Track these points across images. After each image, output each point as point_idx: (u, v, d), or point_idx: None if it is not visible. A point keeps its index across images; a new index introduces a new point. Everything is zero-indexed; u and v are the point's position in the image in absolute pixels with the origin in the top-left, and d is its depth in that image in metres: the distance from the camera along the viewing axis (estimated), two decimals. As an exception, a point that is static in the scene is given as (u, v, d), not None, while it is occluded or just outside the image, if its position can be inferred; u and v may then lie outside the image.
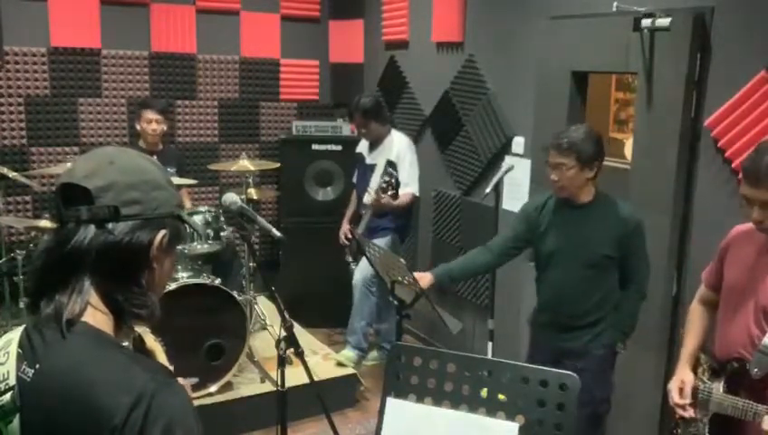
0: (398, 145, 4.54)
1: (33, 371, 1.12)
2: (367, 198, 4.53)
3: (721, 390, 2.26)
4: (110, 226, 1.14)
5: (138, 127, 4.60)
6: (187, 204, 4.84)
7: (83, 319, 1.13)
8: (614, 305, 2.93)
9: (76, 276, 1.14)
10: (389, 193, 4.12)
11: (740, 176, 2.83)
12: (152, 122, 4.54)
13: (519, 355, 3.83)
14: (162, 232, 1.19)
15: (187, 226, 1.28)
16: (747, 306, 2.21)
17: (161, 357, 1.42)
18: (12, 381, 1.12)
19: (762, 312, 2.15)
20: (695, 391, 2.36)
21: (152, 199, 1.18)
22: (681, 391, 2.37)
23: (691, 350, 2.45)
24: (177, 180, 4.11)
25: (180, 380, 1.20)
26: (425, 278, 3.01)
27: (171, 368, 1.29)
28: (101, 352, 1.12)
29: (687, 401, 2.35)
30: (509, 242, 3.10)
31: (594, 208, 2.86)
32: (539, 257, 3.04)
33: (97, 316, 1.15)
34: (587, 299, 2.90)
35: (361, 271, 4.55)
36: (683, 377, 2.39)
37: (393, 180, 4.09)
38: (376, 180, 4.51)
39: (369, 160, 4.67)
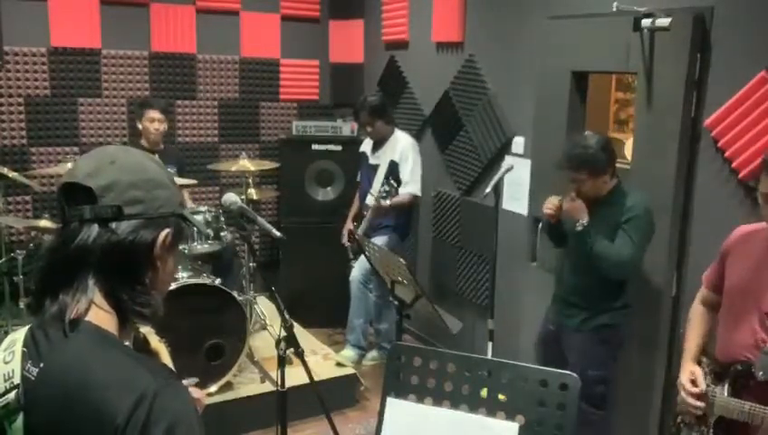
0: (402, 145, 4.54)
1: (37, 369, 1.12)
2: (369, 200, 4.53)
3: (725, 393, 2.24)
4: (113, 225, 1.14)
5: (139, 126, 4.60)
6: (189, 204, 4.84)
7: (87, 318, 1.13)
8: (608, 297, 3.08)
9: (80, 276, 1.14)
10: (387, 203, 4.14)
11: (741, 175, 2.86)
12: (155, 121, 4.54)
13: (519, 355, 3.83)
14: (165, 231, 1.19)
15: (189, 224, 1.28)
16: (752, 309, 2.20)
17: (165, 358, 1.42)
18: (17, 380, 1.13)
19: (767, 315, 2.14)
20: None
21: (155, 198, 1.18)
22: (693, 382, 2.33)
23: (694, 349, 2.42)
24: (177, 180, 4.10)
25: (184, 382, 1.20)
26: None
27: (191, 381, 1.29)
28: (105, 351, 1.12)
29: (702, 387, 2.29)
30: None
31: (605, 202, 3.04)
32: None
33: (101, 315, 1.15)
34: (580, 277, 3.12)
35: (359, 268, 4.55)
36: (692, 368, 2.36)
37: (393, 190, 4.09)
38: (379, 181, 4.51)
39: (372, 160, 4.67)
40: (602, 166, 2.97)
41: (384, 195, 4.07)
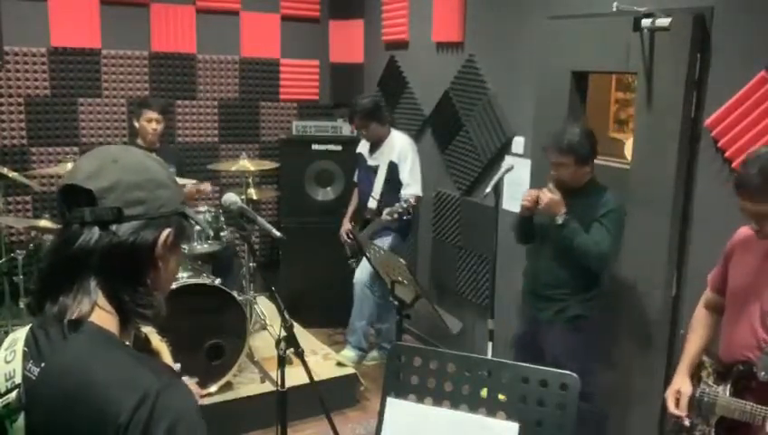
0: (400, 145, 4.54)
1: (38, 369, 1.12)
2: (371, 203, 4.53)
3: (727, 393, 2.24)
4: (113, 227, 1.13)
5: (136, 124, 4.60)
6: (207, 187, 4.71)
7: (90, 319, 1.13)
8: (582, 288, 3.15)
9: (81, 277, 1.14)
10: (407, 217, 4.18)
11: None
12: (152, 121, 4.54)
13: (519, 355, 3.83)
14: (167, 231, 1.18)
15: (190, 223, 1.28)
16: (753, 309, 2.20)
17: (167, 357, 1.42)
18: (18, 380, 1.13)
19: None
20: (692, 399, 2.35)
21: (156, 198, 1.17)
22: (677, 401, 2.36)
23: (691, 357, 2.42)
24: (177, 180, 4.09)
25: (185, 379, 1.20)
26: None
27: (176, 367, 1.29)
28: (107, 351, 1.12)
29: (683, 413, 2.34)
30: None
31: (581, 194, 3.13)
32: (535, 231, 3.34)
33: (103, 316, 1.14)
34: (555, 272, 3.18)
35: (362, 270, 4.55)
36: (680, 387, 2.37)
37: (408, 206, 4.10)
38: (380, 183, 4.51)
39: (370, 162, 4.67)
40: (587, 155, 3.08)
41: (400, 210, 4.09)
